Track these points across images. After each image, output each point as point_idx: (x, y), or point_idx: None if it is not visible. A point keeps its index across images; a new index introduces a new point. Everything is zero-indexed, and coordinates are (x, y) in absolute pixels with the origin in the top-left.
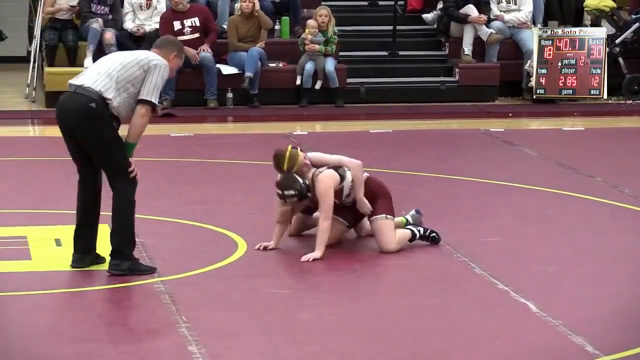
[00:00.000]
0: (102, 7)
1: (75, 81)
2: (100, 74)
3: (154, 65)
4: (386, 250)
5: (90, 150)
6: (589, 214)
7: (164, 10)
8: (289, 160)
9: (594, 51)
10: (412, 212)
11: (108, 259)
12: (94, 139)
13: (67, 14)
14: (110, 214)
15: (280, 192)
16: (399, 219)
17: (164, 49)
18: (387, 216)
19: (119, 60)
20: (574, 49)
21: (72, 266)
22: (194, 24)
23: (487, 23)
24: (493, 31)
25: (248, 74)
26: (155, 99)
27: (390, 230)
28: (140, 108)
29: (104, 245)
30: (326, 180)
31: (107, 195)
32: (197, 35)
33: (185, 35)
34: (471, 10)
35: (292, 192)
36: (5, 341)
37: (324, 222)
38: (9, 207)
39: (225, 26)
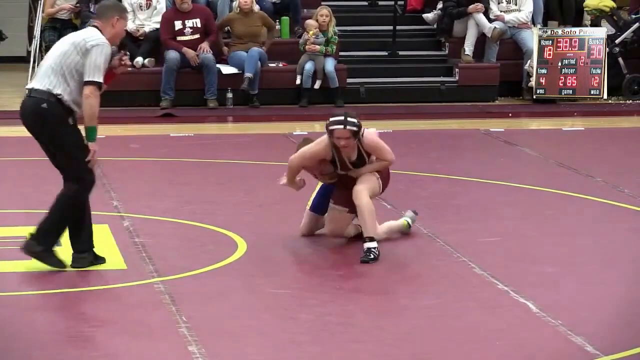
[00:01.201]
0: None
1: (29, 84)
2: (46, 73)
3: (91, 46)
4: (356, 199)
5: (51, 150)
6: (589, 214)
7: (164, 10)
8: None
9: (594, 51)
10: (410, 213)
11: (107, 259)
12: (51, 138)
13: (67, 13)
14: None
15: (343, 117)
16: (400, 222)
17: (105, 16)
18: (379, 180)
19: (59, 50)
20: (574, 49)
21: (72, 266)
22: (195, 25)
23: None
24: (497, 26)
25: (248, 74)
26: (98, 78)
27: (370, 187)
28: (85, 89)
29: (103, 245)
30: (372, 135)
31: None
32: (197, 36)
33: (186, 36)
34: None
35: (355, 121)
36: (5, 341)
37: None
38: (9, 207)
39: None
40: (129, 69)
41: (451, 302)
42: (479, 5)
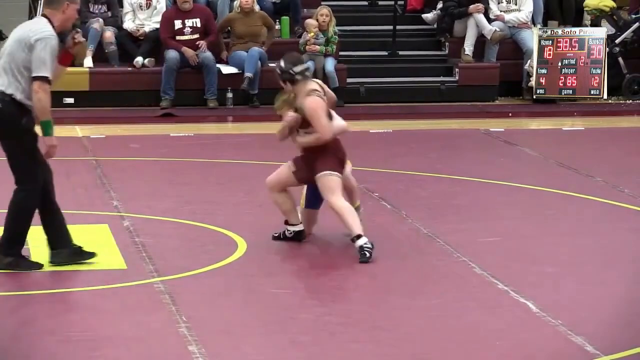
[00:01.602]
0: (100, 7)
1: None
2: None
3: (35, 41)
4: (331, 207)
5: (3, 150)
6: (589, 214)
7: (164, 10)
8: (284, 97)
9: (594, 51)
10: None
11: (107, 259)
12: (2, 138)
13: None
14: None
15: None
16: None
17: (56, 3)
18: (332, 172)
19: (8, 49)
20: (574, 49)
21: (50, 261)
22: (195, 25)
23: (488, 21)
24: (497, 29)
25: (248, 74)
26: (44, 72)
27: (333, 188)
28: (33, 85)
29: (103, 245)
30: (315, 103)
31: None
32: (197, 36)
33: (185, 35)
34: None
35: (283, 66)
36: (5, 341)
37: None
38: None
39: None
40: (131, 69)
41: (451, 302)
42: (480, 6)
